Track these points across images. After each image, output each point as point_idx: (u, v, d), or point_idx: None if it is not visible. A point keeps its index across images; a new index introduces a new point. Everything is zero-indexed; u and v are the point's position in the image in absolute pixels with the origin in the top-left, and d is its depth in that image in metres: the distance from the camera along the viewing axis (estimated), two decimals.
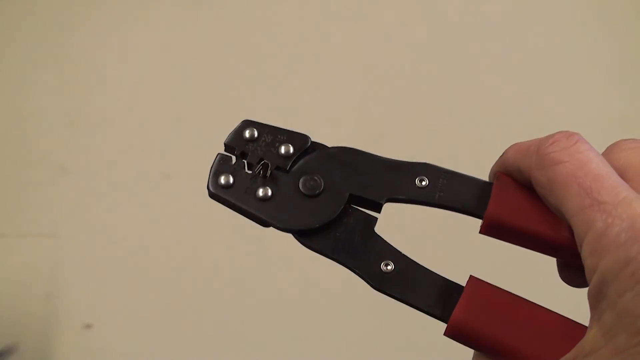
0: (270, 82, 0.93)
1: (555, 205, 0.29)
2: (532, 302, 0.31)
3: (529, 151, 0.31)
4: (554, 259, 0.34)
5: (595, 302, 0.26)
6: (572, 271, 0.33)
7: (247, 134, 0.36)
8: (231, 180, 0.35)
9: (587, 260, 0.27)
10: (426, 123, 0.91)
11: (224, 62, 0.95)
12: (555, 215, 0.31)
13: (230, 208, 0.35)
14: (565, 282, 0.34)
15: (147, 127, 0.91)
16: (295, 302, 0.82)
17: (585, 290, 0.31)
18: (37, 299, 0.81)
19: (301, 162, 0.35)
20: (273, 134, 0.36)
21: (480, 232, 0.33)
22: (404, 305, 0.33)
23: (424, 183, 0.34)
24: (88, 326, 0.80)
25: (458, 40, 0.96)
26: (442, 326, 0.32)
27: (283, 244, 0.86)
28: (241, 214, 0.35)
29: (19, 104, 0.93)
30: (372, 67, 0.94)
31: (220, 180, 0.35)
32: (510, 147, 0.33)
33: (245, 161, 0.35)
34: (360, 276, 0.33)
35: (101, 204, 0.87)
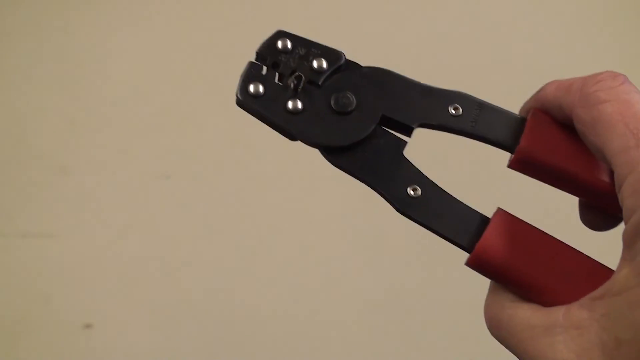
0: None
1: (597, 145, 0.29)
2: (558, 240, 0.31)
3: (571, 88, 0.30)
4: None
5: (631, 242, 0.26)
6: (595, 213, 0.33)
7: (280, 44, 0.35)
8: (261, 89, 0.34)
9: (628, 200, 0.27)
10: None
11: (226, 64, 0.95)
12: (589, 155, 0.31)
13: (258, 118, 0.35)
14: (585, 224, 0.34)
15: (147, 127, 0.91)
16: (295, 302, 0.82)
17: (611, 233, 0.31)
18: (37, 299, 0.81)
19: (334, 78, 0.35)
20: (307, 47, 0.35)
21: (508, 167, 0.33)
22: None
23: (457, 111, 0.34)
24: (88, 326, 0.80)
25: (458, 40, 0.96)
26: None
27: (284, 243, 0.86)
28: (269, 126, 0.35)
29: (19, 104, 0.93)
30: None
31: (249, 88, 0.34)
32: (549, 83, 0.32)
33: (276, 72, 0.35)
34: (385, 198, 0.33)
35: (101, 204, 0.87)
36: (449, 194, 0.33)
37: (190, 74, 0.94)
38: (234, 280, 0.83)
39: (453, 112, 0.34)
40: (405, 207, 0.32)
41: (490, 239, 0.31)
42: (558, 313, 0.28)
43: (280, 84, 0.34)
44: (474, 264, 0.31)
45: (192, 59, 0.95)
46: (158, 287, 0.82)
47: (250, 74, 0.35)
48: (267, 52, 0.35)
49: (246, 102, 0.34)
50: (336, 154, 0.34)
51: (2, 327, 0.80)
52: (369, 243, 0.83)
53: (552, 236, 0.31)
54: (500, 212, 0.32)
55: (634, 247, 0.26)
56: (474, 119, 0.34)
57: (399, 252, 0.82)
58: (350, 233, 0.84)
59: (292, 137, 0.34)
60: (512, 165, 0.33)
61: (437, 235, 0.32)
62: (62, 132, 0.90)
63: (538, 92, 0.33)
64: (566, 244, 0.31)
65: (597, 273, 0.30)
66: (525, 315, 0.29)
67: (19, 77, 0.94)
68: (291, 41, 0.35)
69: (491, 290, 0.32)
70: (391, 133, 0.34)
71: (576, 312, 0.27)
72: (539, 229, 0.31)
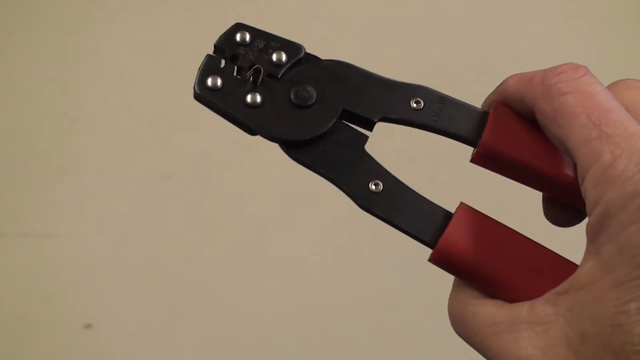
0: None
1: (559, 137, 0.29)
2: (521, 235, 0.31)
3: (533, 80, 0.30)
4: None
5: (594, 235, 0.26)
6: (558, 209, 0.33)
7: (238, 37, 0.34)
8: (219, 82, 0.33)
9: (591, 192, 0.26)
10: None
11: None
12: (552, 149, 0.31)
13: (217, 112, 0.34)
14: (549, 219, 0.34)
15: (147, 127, 0.91)
16: (295, 302, 0.82)
17: (575, 228, 0.31)
18: (37, 299, 0.81)
19: (293, 71, 0.34)
20: (266, 40, 0.34)
21: (471, 161, 0.32)
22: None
23: (419, 105, 0.34)
24: (88, 326, 0.80)
25: (460, 41, 0.96)
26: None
27: (283, 244, 0.86)
28: (227, 120, 0.34)
29: (19, 104, 0.93)
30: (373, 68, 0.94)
31: (207, 81, 0.34)
32: (510, 76, 0.32)
33: (235, 66, 0.34)
34: (347, 193, 0.32)
35: (101, 204, 0.87)
36: (411, 189, 0.32)
37: (191, 73, 0.94)
38: (234, 280, 0.83)
39: (415, 105, 0.34)
40: (366, 202, 0.32)
41: (453, 234, 0.30)
42: (522, 309, 0.27)
43: (239, 77, 0.34)
44: (437, 259, 0.31)
45: (192, 59, 0.95)
46: (158, 287, 0.82)
47: (208, 67, 0.34)
48: (225, 45, 0.34)
49: (204, 95, 0.34)
50: (296, 149, 0.33)
51: (2, 327, 0.80)
52: (370, 242, 0.83)
53: (515, 231, 0.31)
54: (463, 206, 0.31)
55: (598, 240, 0.26)
56: (435, 113, 0.33)
57: (399, 252, 0.82)
58: (351, 233, 0.84)
59: (252, 132, 0.34)
60: (475, 159, 0.32)
61: (399, 232, 0.32)
62: (62, 132, 0.90)
63: (500, 85, 0.33)
64: (530, 239, 0.31)
65: (561, 268, 0.29)
66: (489, 311, 0.28)
67: (19, 77, 0.94)
68: (250, 34, 0.34)
69: (455, 287, 0.31)
70: (352, 127, 0.34)
71: (540, 308, 0.27)
72: (502, 224, 0.31)
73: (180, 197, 0.87)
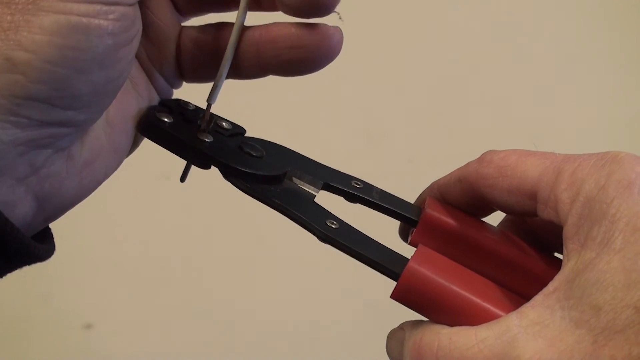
0: (269, 83, 0.93)
1: (510, 186, 0.31)
2: (473, 272, 0.32)
3: (469, 165, 0.33)
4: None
5: (577, 228, 0.28)
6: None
7: (188, 106, 0.34)
8: (169, 119, 0.33)
9: (564, 193, 0.28)
10: (427, 124, 0.91)
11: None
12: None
13: (165, 142, 0.33)
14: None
15: None
16: (295, 303, 0.82)
17: None
18: (37, 299, 0.81)
19: (238, 137, 0.35)
20: (211, 116, 0.34)
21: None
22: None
23: (358, 185, 0.35)
24: (88, 326, 0.80)
25: (458, 40, 0.96)
26: None
27: (284, 244, 0.86)
28: (177, 152, 0.33)
29: None
30: (373, 69, 0.94)
31: (156, 115, 0.32)
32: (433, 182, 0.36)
33: (182, 118, 0.33)
34: (305, 225, 0.32)
35: (101, 204, 0.87)
36: (367, 235, 0.33)
37: None
38: (234, 279, 0.83)
39: (355, 185, 0.35)
40: (326, 234, 0.32)
41: (418, 261, 0.30)
42: (510, 318, 0.28)
43: (188, 122, 0.33)
44: (405, 288, 0.30)
45: None
46: (158, 287, 0.82)
47: (155, 107, 0.33)
48: (173, 104, 0.34)
49: (155, 124, 0.32)
50: (251, 182, 0.33)
51: (2, 327, 0.80)
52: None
53: (464, 267, 0.32)
54: (422, 247, 0.32)
55: (581, 230, 0.27)
56: (376, 192, 0.35)
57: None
58: None
59: (205, 161, 0.33)
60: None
61: (362, 262, 0.32)
62: None
63: (428, 187, 0.36)
64: (477, 274, 0.31)
65: (510, 297, 0.30)
66: (467, 333, 0.28)
67: None
68: (193, 105, 0.35)
69: (416, 326, 0.31)
70: (300, 184, 0.34)
71: (532, 311, 0.27)
72: (460, 265, 0.32)
73: (180, 197, 0.87)
